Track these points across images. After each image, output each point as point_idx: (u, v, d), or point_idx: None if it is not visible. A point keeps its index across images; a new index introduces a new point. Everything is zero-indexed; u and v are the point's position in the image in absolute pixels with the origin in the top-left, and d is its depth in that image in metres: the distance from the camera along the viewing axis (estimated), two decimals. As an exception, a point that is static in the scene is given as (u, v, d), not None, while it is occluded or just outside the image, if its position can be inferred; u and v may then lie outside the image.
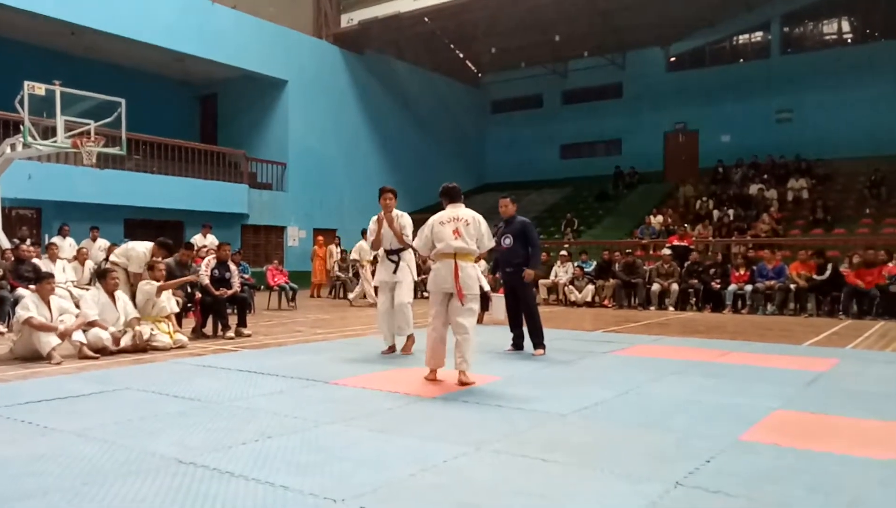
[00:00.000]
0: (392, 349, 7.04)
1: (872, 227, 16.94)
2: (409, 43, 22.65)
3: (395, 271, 6.95)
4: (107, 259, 11.49)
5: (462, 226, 5.46)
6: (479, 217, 5.63)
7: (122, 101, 11.39)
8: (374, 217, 7.09)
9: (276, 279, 13.45)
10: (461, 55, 24.86)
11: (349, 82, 21.45)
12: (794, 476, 3.19)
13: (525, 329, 7.20)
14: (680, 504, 2.85)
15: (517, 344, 7.29)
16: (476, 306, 5.51)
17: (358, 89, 21.72)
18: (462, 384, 5.27)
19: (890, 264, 11.73)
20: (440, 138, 25.21)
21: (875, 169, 18.78)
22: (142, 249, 8.31)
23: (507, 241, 7.07)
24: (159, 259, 8.08)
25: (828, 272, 11.83)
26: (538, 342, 7.05)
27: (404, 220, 7.04)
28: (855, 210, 18.21)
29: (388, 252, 7.03)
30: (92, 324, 6.93)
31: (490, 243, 5.74)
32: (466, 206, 5.93)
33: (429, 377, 5.53)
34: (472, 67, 26.21)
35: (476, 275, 5.55)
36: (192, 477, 3.14)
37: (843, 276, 11.91)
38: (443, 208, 5.74)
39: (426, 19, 20.56)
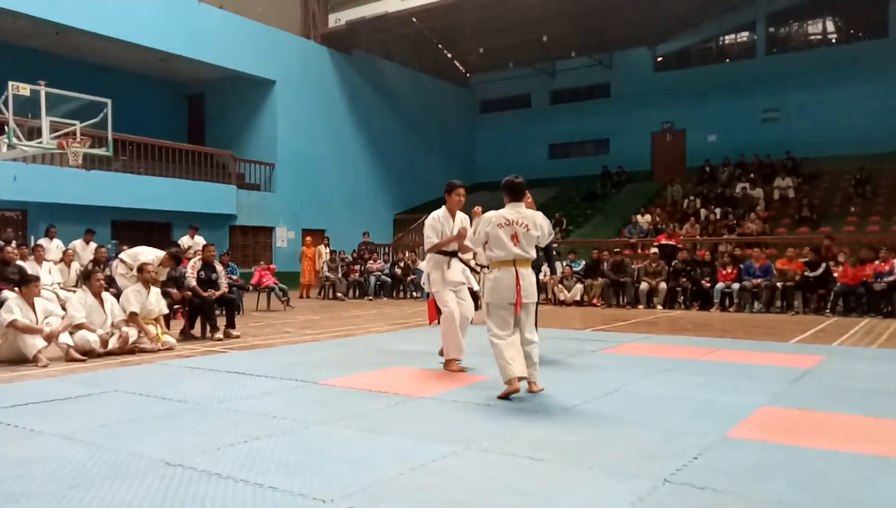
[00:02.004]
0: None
1: (858, 225, 17.08)
2: (396, 43, 22.64)
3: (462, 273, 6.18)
4: (94, 261, 11.43)
5: (521, 231, 4.94)
6: (541, 217, 5.15)
7: (108, 101, 11.30)
8: (439, 215, 6.12)
9: (263, 280, 13.40)
10: (449, 55, 24.85)
11: (337, 83, 21.40)
12: (782, 471, 3.22)
13: None
14: (668, 500, 2.87)
15: None
16: (532, 311, 5.17)
17: (346, 90, 21.68)
18: (532, 391, 4.96)
19: (876, 262, 11.85)
20: (429, 138, 25.21)
21: (860, 167, 18.94)
22: (151, 256, 8.34)
23: None
24: (148, 263, 8.02)
25: (821, 269, 11.93)
26: None
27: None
28: (840, 208, 18.36)
29: (453, 254, 6.18)
30: (79, 326, 6.88)
31: (549, 239, 5.35)
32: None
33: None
34: (461, 67, 26.21)
35: (535, 281, 5.11)
36: (181, 479, 3.12)
37: (831, 272, 12.04)
38: (503, 206, 5.14)
39: (414, 19, 20.54)
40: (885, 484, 3.06)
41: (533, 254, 5.08)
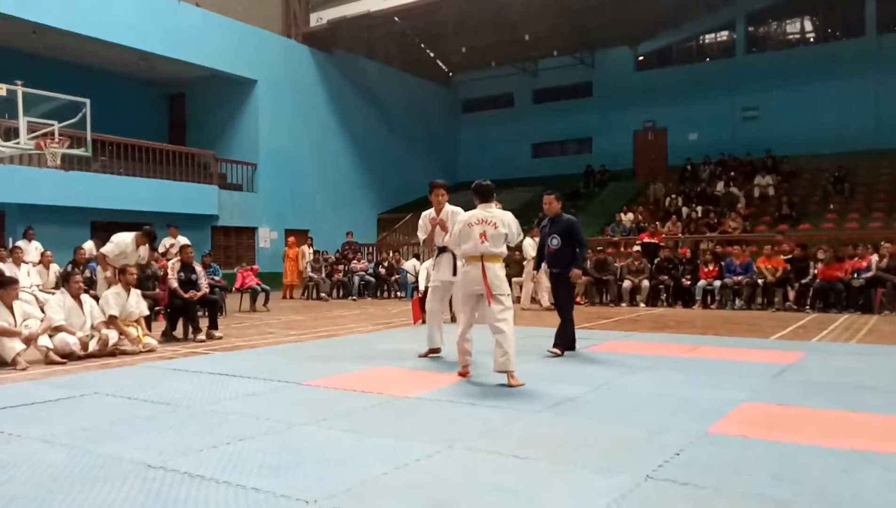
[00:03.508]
0: (436, 351, 6.68)
1: (836, 222, 17.32)
2: (379, 42, 22.59)
3: (454, 273, 6.46)
4: (74, 263, 11.30)
5: (490, 229, 5.38)
6: (509, 217, 5.55)
7: (87, 101, 11.16)
8: (426, 214, 6.67)
9: (246, 281, 13.31)
10: (432, 54, 24.86)
11: (319, 82, 21.32)
12: (762, 466, 3.25)
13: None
14: (650, 496, 2.89)
15: (568, 345, 7.00)
16: (509, 303, 5.41)
17: (328, 89, 21.60)
18: (511, 385, 5.16)
19: (854, 259, 12.02)
20: (412, 138, 25.19)
21: (838, 165, 19.20)
22: (127, 238, 8.24)
23: (555, 242, 6.82)
24: (130, 265, 7.93)
25: (812, 269, 12.12)
26: (558, 343, 6.84)
27: (459, 218, 6.22)
28: (819, 206, 18.60)
29: (442, 249, 6.62)
30: (58, 329, 6.80)
31: (518, 238, 5.65)
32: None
33: (461, 372, 5.61)
34: (443, 67, 26.23)
35: (503, 275, 5.47)
36: (162, 482, 3.10)
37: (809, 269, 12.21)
38: (475, 207, 5.58)
39: (396, 18, 20.52)
40: (862, 478, 3.11)
41: (501, 251, 5.47)
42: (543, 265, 7.07)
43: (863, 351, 7.18)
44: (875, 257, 11.80)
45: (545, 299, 12.62)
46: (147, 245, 8.55)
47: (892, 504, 2.81)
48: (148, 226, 8.62)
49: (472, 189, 5.68)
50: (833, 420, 4.17)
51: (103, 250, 8.29)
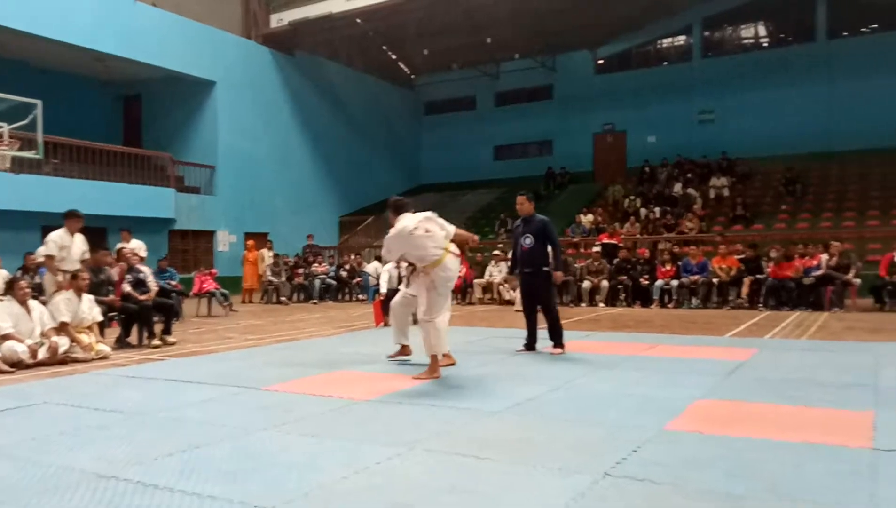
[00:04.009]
0: (406, 351, 6.59)
1: (788, 222, 17.78)
2: (341, 44, 22.45)
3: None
4: (24, 269, 10.97)
5: (430, 225, 5.68)
6: (427, 214, 5.82)
7: (39, 102, 10.85)
8: None
9: (204, 285, 13.09)
10: (394, 57, 24.80)
11: (280, 84, 21.11)
12: (716, 462, 3.31)
13: (533, 329, 7.17)
14: (608, 493, 2.92)
15: (530, 345, 7.14)
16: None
17: (289, 91, 21.40)
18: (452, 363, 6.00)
19: (806, 258, 12.35)
20: (374, 140, 25.10)
21: (790, 167, 19.72)
22: (59, 231, 8.05)
23: (528, 241, 6.92)
24: (82, 270, 7.73)
25: (766, 267, 12.42)
26: (558, 342, 6.95)
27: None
28: (772, 207, 19.06)
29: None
30: (5, 337, 6.58)
31: (450, 227, 5.83)
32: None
33: (446, 363, 5.95)
34: (405, 69, 26.19)
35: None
36: (114, 492, 3.02)
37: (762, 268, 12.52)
38: (391, 224, 5.82)
39: (358, 20, 20.42)
40: (813, 470, 3.19)
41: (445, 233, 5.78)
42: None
43: (813, 347, 7.38)
44: (825, 257, 12.15)
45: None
46: (81, 232, 8.30)
47: (842, 495, 2.89)
48: (73, 209, 8.37)
49: (390, 205, 5.98)
50: (785, 415, 4.28)
51: (44, 252, 8.09)
